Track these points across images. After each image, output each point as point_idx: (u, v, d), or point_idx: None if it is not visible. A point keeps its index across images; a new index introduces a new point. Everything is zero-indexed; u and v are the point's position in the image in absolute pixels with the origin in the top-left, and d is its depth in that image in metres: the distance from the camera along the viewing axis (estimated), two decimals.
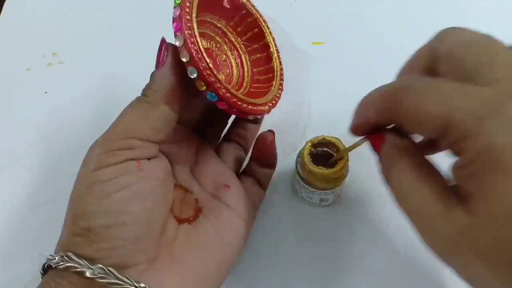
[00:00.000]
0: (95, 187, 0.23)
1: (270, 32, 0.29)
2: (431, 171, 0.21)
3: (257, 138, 0.31)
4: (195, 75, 0.23)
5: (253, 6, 0.29)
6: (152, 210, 0.24)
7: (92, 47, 0.44)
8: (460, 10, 0.45)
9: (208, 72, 0.23)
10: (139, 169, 0.24)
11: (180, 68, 0.24)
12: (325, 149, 0.32)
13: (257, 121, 0.32)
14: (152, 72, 0.25)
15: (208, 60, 0.23)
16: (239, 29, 0.29)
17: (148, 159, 0.25)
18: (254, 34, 0.29)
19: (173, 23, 0.24)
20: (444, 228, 0.19)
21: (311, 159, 0.31)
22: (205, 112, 0.31)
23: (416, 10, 0.46)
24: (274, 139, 0.30)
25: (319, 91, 0.39)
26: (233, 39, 0.30)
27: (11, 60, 0.43)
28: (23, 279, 0.33)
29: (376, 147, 0.24)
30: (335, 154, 0.31)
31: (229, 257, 0.27)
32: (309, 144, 0.31)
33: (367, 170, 0.34)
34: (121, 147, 0.23)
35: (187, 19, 0.23)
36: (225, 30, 0.29)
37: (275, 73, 0.29)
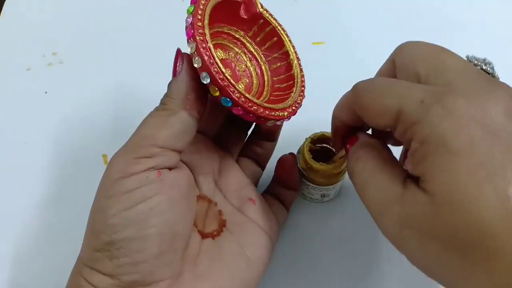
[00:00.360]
0: (118, 198, 0.22)
1: (289, 40, 0.29)
2: (391, 162, 0.22)
3: (278, 161, 0.31)
4: (208, 81, 0.23)
5: (270, 15, 0.29)
6: (176, 223, 0.24)
7: (92, 47, 0.44)
8: (460, 11, 0.45)
9: (221, 76, 0.23)
10: (160, 179, 0.23)
11: (196, 74, 0.24)
12: (324, 144, 0.33)
13: (273, 138, 0.32)
14: (169, 82, 0.25)
15: (220, 65, 0.23)
16: (258, 39, 0.29)
17: (170, 169, 0.24)
18: (273, 43, 0.29)
19: (185, 31, 0.24)
20: (399, 210, 0.20)
21: (311, 156, 0.31)
22: (225, 124, 0.31)
23: (416, 10, 0.46)
24: (295, 163, 0.30)
25: (319, 91, 0.39)
26: (252, 49, 0.29)
27: (11, 60, 0.43)
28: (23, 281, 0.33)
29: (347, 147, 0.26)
30: (333, 149, 0.32)
31: (255, 275, 0.26)
32: (308, 140, 0.31)
33: None
34: (142, 155, 0.23)
35: (198, 26, 0.23)
36: (244, 41, 0.29)
37: (296, 79, 0.29)
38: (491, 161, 0.17)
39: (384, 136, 0.26)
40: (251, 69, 0.30)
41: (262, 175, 0.32)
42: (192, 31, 0.23)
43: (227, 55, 0.29)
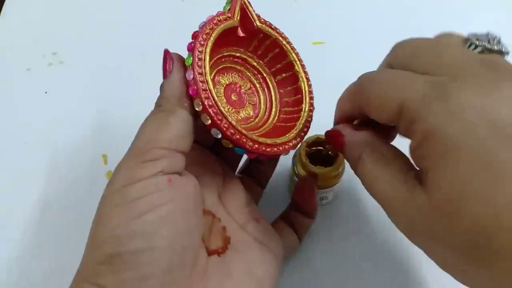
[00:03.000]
0: (124, 206, 0.21)
1: (293, 50, 0.28)
2: (394, 158, 0.22)
3: (296, 184, 0.30)
4: (219, 136, 0.24)
5: (271, 27, 0.28)
6: (187, 235, 0.22)
7: (92, 47, 0.44)
8: (460, 12, 0.45)
9: (232, 131, 0.24)
10: (171, 186, 0.22)
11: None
12: (319, 147, 0.32)
13: (273, 159, 0.31)
14: (161, 84, 0.24)
15: (233, 123, 0.24)
16: (259, 52, 0.29)
17: (179, 174, 0.23)
18: (275, 54, 0.28)
19: (188, 87, 0.24)
20: (408, 210, 0.19)
21: (308, 160, 0.31)
22: None
23: (416, 10, 0.46)
24: (315, 189, 0.29)
25: (319, 91, 0.39)
26: (255, 63, 0.29)
27: (11, 60, 0.43)
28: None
29: (337, 144, 0.25)
30: (329, 152, 0.32)
31: None
32: (305, 144, 0.31)
33: None
34: (147, 159, 0.22)
35: (201, 81, 0.23)
36: (245, 57, 0.28)
37: (304, 97, 0.28)
38: (496, 160, 0.17)
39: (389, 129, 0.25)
40: (256, 84, 0.29)
41: (262, 195, 0.31)
42: (196, 88, 0.23)
43: (230, 77, 0.28)
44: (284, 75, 0.29)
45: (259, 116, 0.29)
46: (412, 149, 0.20)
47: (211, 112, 0.23)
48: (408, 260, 0.33)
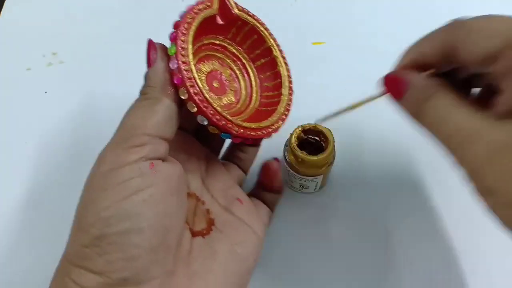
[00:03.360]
0: (111, 190, 0.21)
1: (271, 37, 0.29)
2: (465, 99, 0.21)
3: (262, 167, 0.30)
4: (205, 122, 0.25)
5: (248, 14, 0.28)
6: (169, 217, 0.23)
7: (92, 47, 0.44)
8: (460, 12, 0.45)
9: (218, 117, 0.25)
10: (154, 170, 0.23)
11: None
12: (316, 138, 0.33)
13: (256, 144, 0.31)
14: (145, 72, 0.25)
15: (218, 109, 0.24)
16: (238, 39, 0.29)
17: (162, 160, 0.24)
18: (253, 41, 0.29)
19: (172, 76, 0.24)
20: (494, 137, 0.19)
21: (297, 142, 0.32)
22: None
23: (416, 10, 0.46)
24: (279, 168, 0.30)
25: (319, 91, 0.39)
26: (235, 50, 0.29)
27: (11, 60, 0.43)
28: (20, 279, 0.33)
29: (398, 92, 0.24)
30: (324, 144, 0.32)
31: (245, 273, 0.26)
32: (300, 128, 0.32)
33: (353, 167, 0.35)
34: (132, 145, 0.22)
35: (185, 71, 0.24)
36: (224, 44, 0.29)
37: (282, 80, 0.29)
38: None
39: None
40: (236, 70, 0.30)
41: (245, 178, 0.32)
42: (181, 77, 0.24)
43: (211, 65, 0.29)
44: (263, 60, 0.30)
45: (241, 101, 0.29)
46: None
47: (197, 100, 0.24)
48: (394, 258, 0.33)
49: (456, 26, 0.22)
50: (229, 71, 0.30)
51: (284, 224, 0.34)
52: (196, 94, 0.24)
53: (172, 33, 0.25)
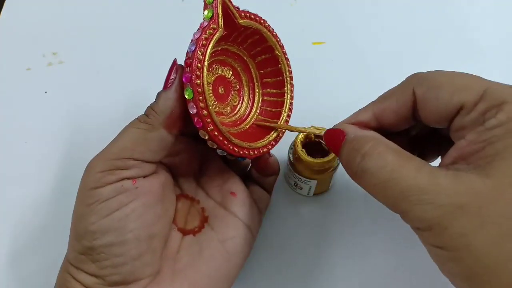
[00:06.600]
0: (96, 206, 0.23)
1: (274, 36, 0.29)
2: (409, 154, 0.21)
3: (256, 159, 0.30)
4: (215, 146, 0.26)
5: (251, 19, 0.28)
6: (151, 226, 0.25)
7: (92, 47, 0.44)
8: (461, 15, 0.45)
9: (236, 149, 0.26)
10: (135, 187, 0.24)
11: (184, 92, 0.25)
12: (321, 141, 0.33)
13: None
14: (158, 92, 0.25)
15: (234, 141, 0.26)
16: (239, 39, 0.29)
17: (144, 176, 0.25)
18: (255, 40, 0.29)
19: (192, 118, 0.25)
20: (443, 196, 0.19)
21: (303, 140, 0.31)
22: None
23: (416, 10, 0.46)
24: (272, 158, 0.30)
25: (319, 90, 0.39)
26: (235, 50, 0.30)
27: (11, 60, 0.43)
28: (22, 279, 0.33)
29: (334, 144, 0.24)
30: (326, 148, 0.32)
31: (232, 268, 0.27)
32: (312, 128, 0.32)
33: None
34: (117, 167, 0.24)
35: (205, 115, 0.24)
36: (226, 47, 0.29)
37: (285, 79, 0.29)
38: None
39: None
40: (238, 68, 0.30)
41: (249, 165, 0.33)
42: (201, 122, 0.25)
43: (215, 71, 0.29)
44: (263, 56, 0.30)
45: (244, 102, 0.30)
46: (482, 130, 0.19)
47: (217, 140, 0.25)
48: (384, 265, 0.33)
49: (416, 82, 0.22)
50: (230, 73, 0.30)
51: (284, 224, 0.34)
52: (215, 136, 0.25)
53: (186, 74, 0.24)
